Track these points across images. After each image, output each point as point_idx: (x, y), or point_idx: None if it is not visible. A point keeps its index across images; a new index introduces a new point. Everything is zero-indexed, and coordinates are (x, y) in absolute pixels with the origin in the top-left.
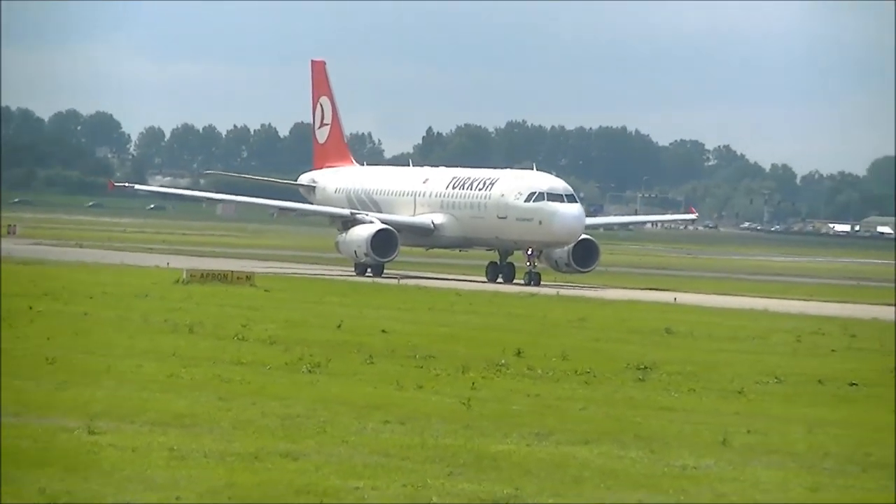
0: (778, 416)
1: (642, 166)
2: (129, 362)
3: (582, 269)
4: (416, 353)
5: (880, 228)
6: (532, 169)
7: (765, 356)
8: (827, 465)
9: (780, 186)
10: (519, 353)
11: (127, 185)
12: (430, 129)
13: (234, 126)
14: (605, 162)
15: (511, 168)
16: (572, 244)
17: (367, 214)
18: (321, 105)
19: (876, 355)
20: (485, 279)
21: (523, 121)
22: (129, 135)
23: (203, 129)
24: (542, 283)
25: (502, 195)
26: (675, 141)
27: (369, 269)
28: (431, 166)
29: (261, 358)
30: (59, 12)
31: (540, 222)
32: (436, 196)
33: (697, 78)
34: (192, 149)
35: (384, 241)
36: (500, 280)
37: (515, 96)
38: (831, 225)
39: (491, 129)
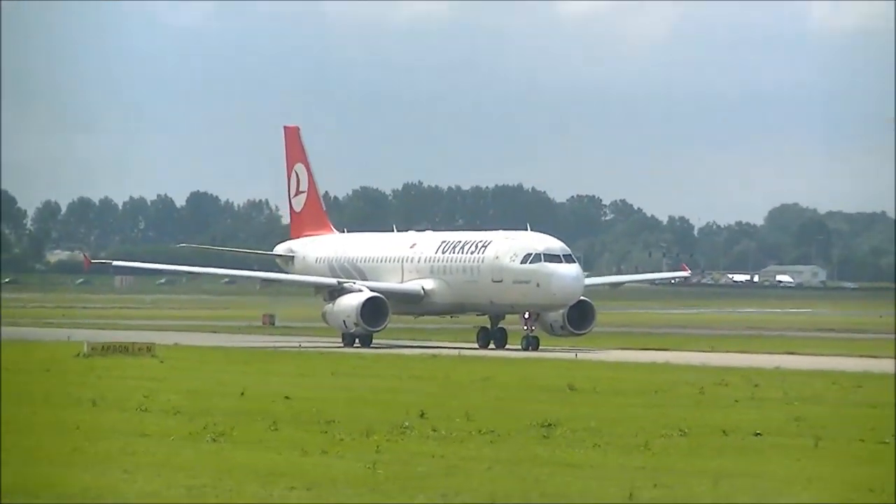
0: (683, 470)
1: (540, 223)
2: (31, 439)
3: (577, 332)
4: (320, 419)
5: (779, 277)
6: (526, 230)
7: (668, 409)
8: None
9: (678, 239)
10: (422, 414)
11: (104, 261)
12: (325, 193)
13: (130, 197)
14: (502, 220)
15: (501, 230)
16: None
17: (354, 283)
18: (296, 172)
19: (779, 404)
20: (476, 345)
21: (419, 182)
22: (25, 210)
23: (99, 201)
24: (539, 347)
25: (496, 257)
26: (572, 196)
27: (357, 340)
28: (417, 230)
29: (164, 429)
30: None
31: (538, 284)
32: (425, 261)
33: (593, 133)
34: (88, 222)
35: (374, 310)
36: (492, 346)
37: (410, 158)
38: (730, 275)
39: (387, 192)
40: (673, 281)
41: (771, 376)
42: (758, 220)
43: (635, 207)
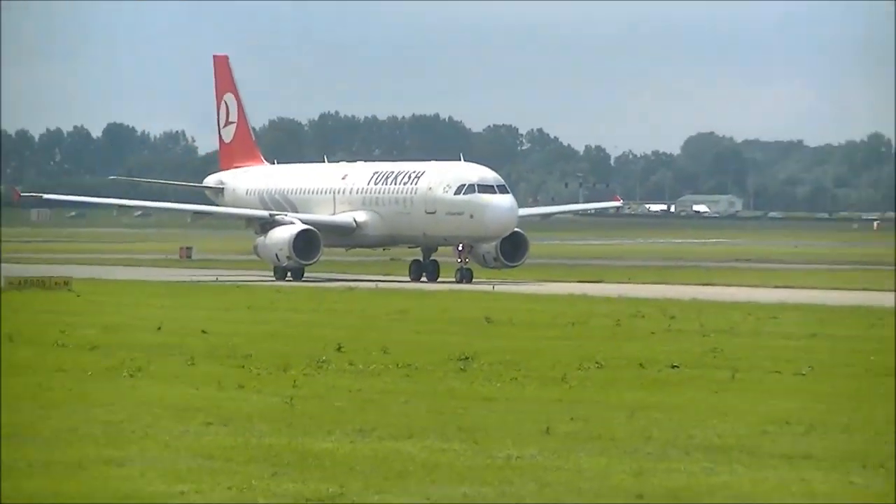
0: (600, 402)
1: (456, 153)
2: None
3: (510, 264)
4: (237, 353)
5: (696, 207)
6: (460, 160)
7: (585, 341)
8: (650, 450)
9: (595, 168)
10: (339, 348)
11: (34, 194)
12: None
13: (47, 129)
14: (418, 150)
15: (434, 160)
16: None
17: (286, 215)
18: (226, 102)
19: (695, 336)
20: (408, 278)
21: (336, 112)
22: None
23: (15, 133)
24: (473, 280)
25: (430, 188)
26: (489, 126)
27: (289, 273)
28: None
29: (81, 364)
30: None
31: (471, 216)
32: (357, 192)
33: (508, 62)
34: (6, 154)
35: (306, 243)
36: (424, 279)
37: (326, 88)
38: (647, 205)
39: (304, 122)
40: (610, 211)
41: (687, 308)
42: (674, 149)
43: (552, 136)
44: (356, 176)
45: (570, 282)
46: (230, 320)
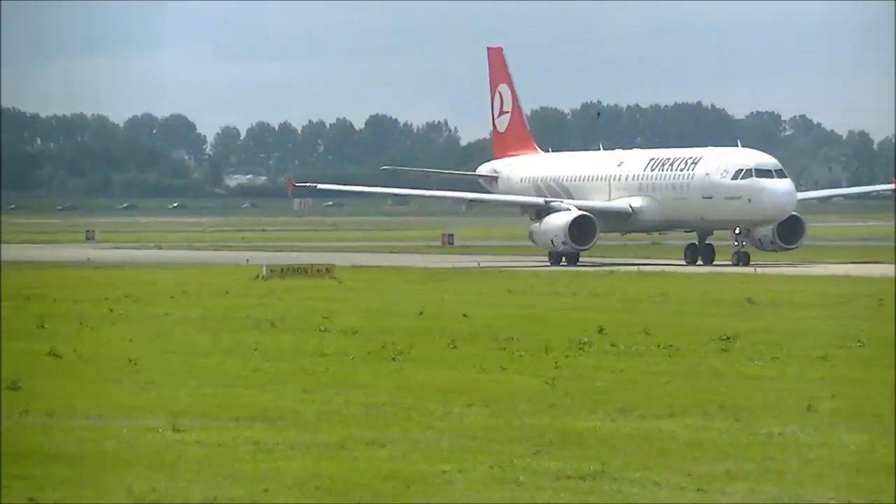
0: (862, 380)
1: (720, 140)
2: (211, 360)
3: (788, 247)
4: (498, 336)
5: None
6: (737, 146)
7: (846, 321)
8: None
9: (858, 153)
10: (601, 330)
11: (308, 184)
12: None
13: (310, 121)
14: (681, 138)
15: (710, 147)
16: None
17: (561, 202)
18: (500, 93)
19: None
20: (683, 262)
21: (598, 101)
22: (204, 136)
23: (279, 126)
24: (750, 262)
25: (707, 174)
26: (751, 113)
27: (564, 258)
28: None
29: (343, 348)
30: (125, 16)
31: (749, 200)
32: (633, 179)
33: (770, 49)
34: (267, 146)
35: (582, 229)
36: (699, 262)
37: (589, 76)
38: None
39: (566, 111)
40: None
41: None
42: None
43: (814, 122)
44: (632, 162)
45: (842, 263)
46: (491, 304)
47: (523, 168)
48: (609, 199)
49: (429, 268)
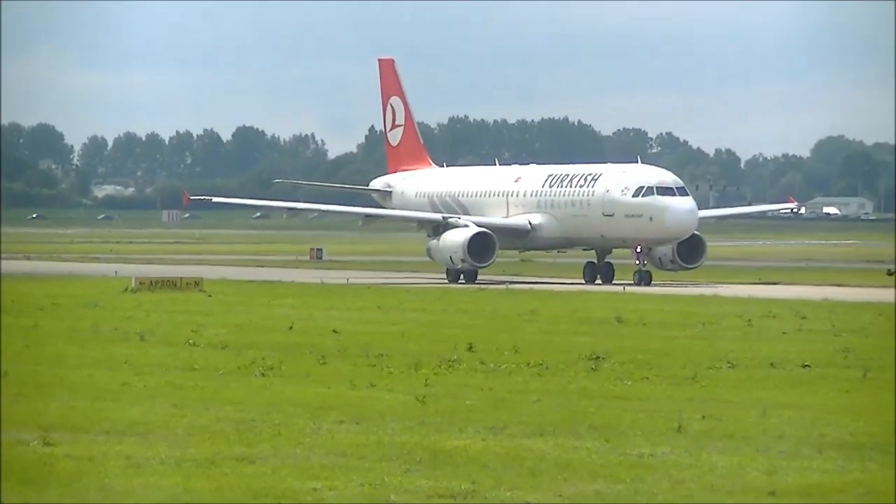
0: (731, 401)
1: (586, 156)
2: (81, 372)
3: (688, 266)
4: (368, 352)
5: (826, 209)
6: (637, 162)
7: (716, 341)
8: (782, 448)
9: (725, 171)
10: (471, 347)
11: (203, 197)
12: (372, 127)
13: (177, 132)
14: (548, 153)
15: (610, 163)
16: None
17: (459, 217)
18: (392, 105)
19: (827, 336)
20: (582, 280)
21: (465, 115)
22: (71, 145)
23: (146, 136)
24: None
25: (607, 191)
26: (618, 130)
27: (462, 276)
28: (521, 164)
29: (213, 363)
30: None
31: (651, 218)
32: (531, 195)
33: (637, 66)
34: (135, 157)
35: (481, 245)
36: (598, 281)
37: (455, 91)
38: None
39: (433, 125)
40: (781, 212)
41: (818, 308)
42: (804, 152)
43: (681, 140)
44: (530, 178)
45: (740, 283)
46: (360, 320)
47: (418, 183)
48: (507, 216)
49: (297, 282)
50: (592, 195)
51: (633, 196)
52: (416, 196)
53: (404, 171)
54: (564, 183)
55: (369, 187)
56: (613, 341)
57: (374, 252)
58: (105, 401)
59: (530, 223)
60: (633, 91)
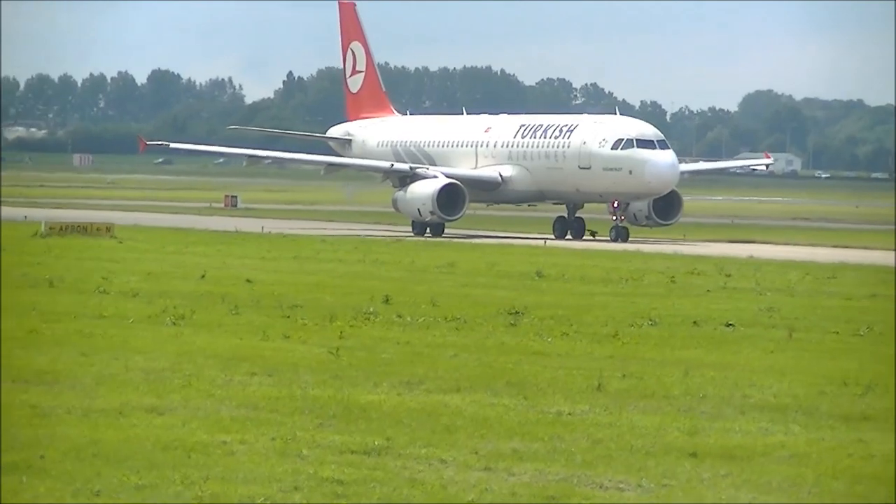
0: (653, 360)
1: (509, 106)
2: None
3: (663, 222)
4: (282, 303)
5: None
6: (615, 113)
7: (638, 298)
8: (704, 409)
9: (650, 124)
10: (387, 300)
11: (161, 143)
12: (290, 73)
13: (91, 75)
14: (470, 103)
15: (585, 114)
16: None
17: (427, 168)
18: (352, 51)
19: (751, 294)
20: (552, 236)
21: (386, 62)
22: None
23: (59, 78)
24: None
25: (584, 143)
26: (542, 80)
27: (429, 229)
28: (491, 114)
29: (122, 311)
30: None
31: (630, 172)
32: (502, 146)
33: (561, 15)
34: (47, 99)
35: (450, 198)
36: (568, 237)
37: (375, 38)
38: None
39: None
40: (755, 169)
41: (744, 266)
42: (731, 106)
43: (606, 91)
44: (501, 129)
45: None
46: (275, 270)
47: (380, 131)
48: (476, 167)
49: (211, 230)
50: (568, 147)
51: (611, 148)
52: (378, 145)
53: (365, 118)
54: (538, 134)
55: (327, 135)
56: (533, 296)
57: (291, 200)
58: (12, 348)
59: (501, 175)
60: (557, 41)
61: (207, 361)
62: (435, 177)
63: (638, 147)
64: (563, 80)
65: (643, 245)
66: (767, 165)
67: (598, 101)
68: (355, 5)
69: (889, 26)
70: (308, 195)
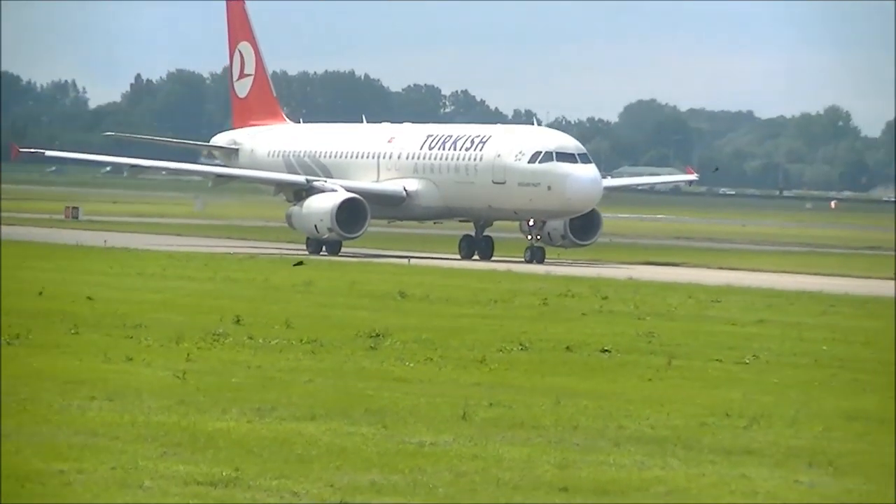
0: (523, 387)
1: (374, 114)
2: None
3: (581, 242)
4: (125, 322)
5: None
6: (533, 124)
7: (508, 321)
8: (577, 441)
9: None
10: (238, 320)
11: (35, 150)
12: (138, 75)
13: None
14: (332, 109)
15: (500, 124)
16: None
17: (325, 181)
18: (240, 52)
19: (629, 319)
20: (458, 256)
21: None
22: None
23: None
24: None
25: (498, 155)
26: (409, 86)
27: (325, 247)
28: (394, 122)
29: None
30: None
31: (549, 187)
32: (408, 158)
33: (430, 20)
34: None
35: (351, 213)
36: (476, 257)
37: (219, 37)
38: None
39: (206, 75)
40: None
41: (622, 288)
42: (612, 116)
43: (477, 99)
44: (405, 139)
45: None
46: (118, 287)
47: (271, 140)
48: (378, 181)
49: (50, 242)
50: (480, 160)
51: (528, 162)
52: (269, 155)
53: (254, 126)
54: (447, 145)
55: (210, 143)
56: (395, 318)
57: (137, 213)
58: None
59: (406, 189)
60: (425, 46)
61: (44, 384)
62: (334, 190)
63: (558, 160)
64: (432, 86)
65: (558, 267)
66: (691, 182)
67: (469, 109)
68: (244, 3)
69: (779, 31)
70: (156, 208)
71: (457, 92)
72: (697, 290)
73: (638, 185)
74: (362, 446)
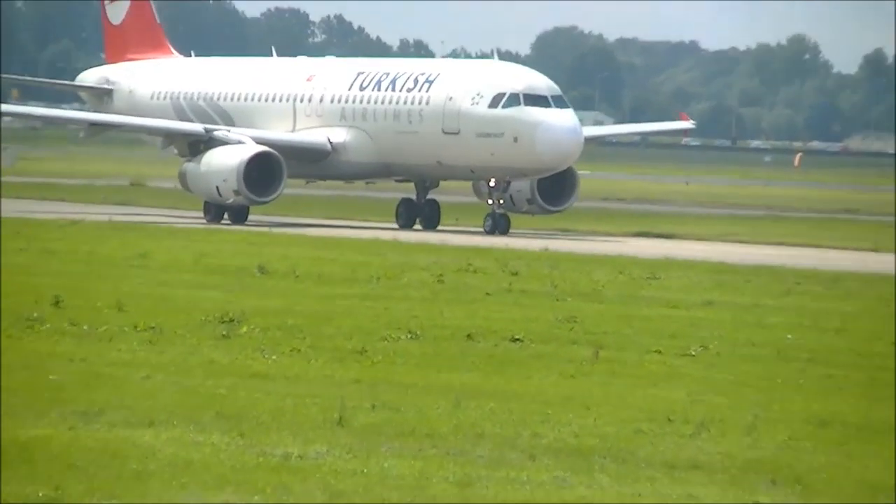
0: (414, 385)
1: (227, 44)
2: None
3: (551, 208)
4: None
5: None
6: (493, 58)
7: (395, 303)
8: (481, 453)
9: None
10: (57, 302)
11: None
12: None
13: None
14: (176, 39)
15: (450, 58)
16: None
17: (228, 131)
18: None
19: (546, 300)
20: (395, 224)
21: None
22: None
23: None
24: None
25: (450, 98)
26: (269, 10)
27: (227, 214)
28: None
29: None
30: None
31: (515, 139)
32: (332, 101)
33: None
34: None
35: (261, 171)
36: (418, 226)
37: None
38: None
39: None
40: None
41: (536, 261)
42: (523, 48)
43: (355, 27)
44: (329, 77)
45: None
46: None
47: (155, 79)
48: (294, 130)
49: None
50: (427, 103)
51: (489, 106)
52: (152, 97)
53: (132, 60)
54: (384, 85)
55: (76, 83)
56: (254, 299)
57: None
58: None
59: (330, 141)
60: None
61: None
62: (241, 143)
63: (526, 105)
64: (298, 11)
65: (523, 239)
66: (686, 131)
67: (345, 38)
68: None
69: None
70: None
71: (329, 17)
72: (629, 263)
73: (624, 134)
74: (213, 459)
